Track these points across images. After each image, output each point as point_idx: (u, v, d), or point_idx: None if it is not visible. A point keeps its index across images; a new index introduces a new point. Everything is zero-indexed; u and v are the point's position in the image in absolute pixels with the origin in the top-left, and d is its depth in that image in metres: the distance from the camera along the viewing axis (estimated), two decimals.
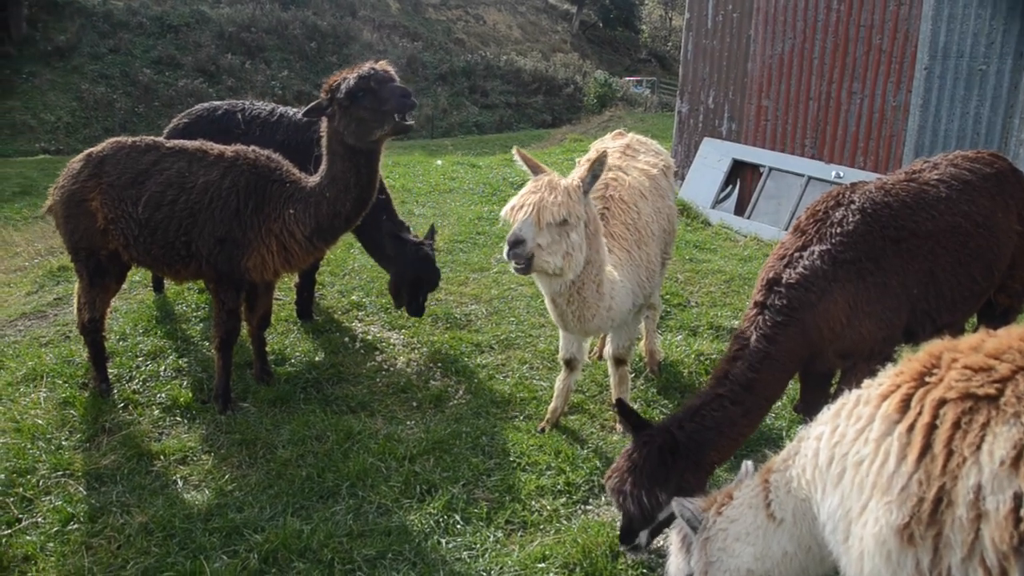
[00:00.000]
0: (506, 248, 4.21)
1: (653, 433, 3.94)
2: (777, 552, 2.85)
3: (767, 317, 4.16)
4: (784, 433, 5.46)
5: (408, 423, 5.53)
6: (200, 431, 5.32)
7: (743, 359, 4.13)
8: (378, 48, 35.36)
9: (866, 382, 2.64)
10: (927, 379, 2.39)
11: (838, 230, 4.21)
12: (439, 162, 15.84)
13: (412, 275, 6.60)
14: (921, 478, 2.23)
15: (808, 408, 4.86)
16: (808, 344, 4.17)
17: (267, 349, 6.18)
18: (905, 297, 4.22)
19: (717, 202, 11.13)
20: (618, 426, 5.47)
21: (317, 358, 6.49)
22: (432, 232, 6.87)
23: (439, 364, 6.48)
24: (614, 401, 5.40)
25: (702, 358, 6.52)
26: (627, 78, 42.96)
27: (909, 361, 2.51)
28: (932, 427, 2.27)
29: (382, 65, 5.08)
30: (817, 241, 4.23)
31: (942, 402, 2.29)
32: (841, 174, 9.88)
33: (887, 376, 2.55)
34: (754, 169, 11.02)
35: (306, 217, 5.24)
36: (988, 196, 4.51)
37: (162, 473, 4.84)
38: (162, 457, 4.99)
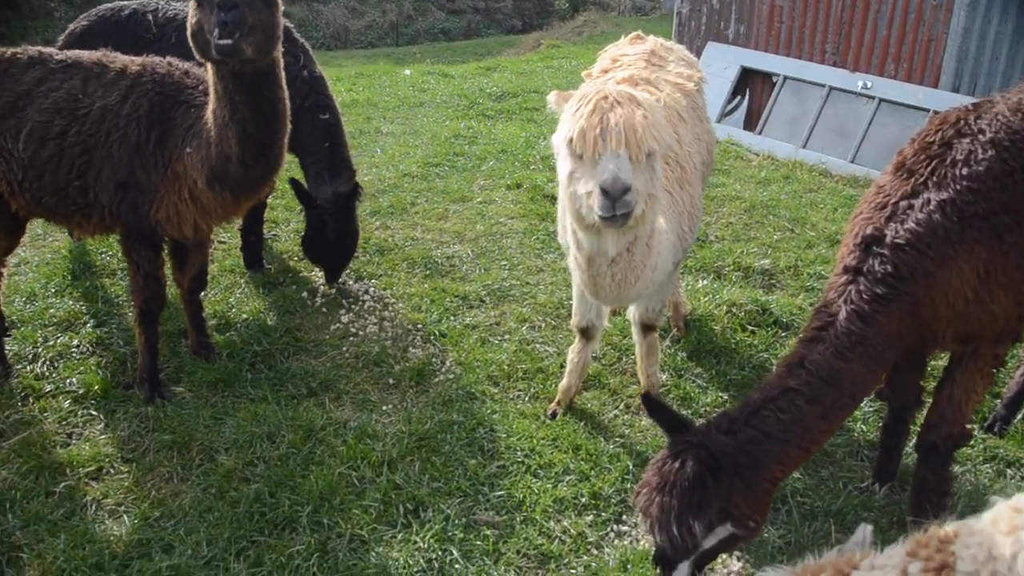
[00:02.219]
0: (599, 200, 3.00)
1: (692, 441, 2.91)
2: None
3: (863, 288, 3.09)
4: (857, 424, 4.43)
5: (384, 409, 4.43)
6: (120, 430, 4.18)
7: (827, 342, 3.08)
8: None
9: None
10: None
11: (964, 171, 3.10)
12: (407, 72, 14.28)
13: (314, 255, 5.68)
14: None
15: (898, 394, 3.84)
16: (918, 325, 3.13)
17: (205, 314, 5.00)
18: None
19: (724, 115, 9.88)
20: None
21: (269, 321, 5.32)
22: (355, 192, 5.46)
23: (419, 325, 5.34)
24: (642, 388, 4.34)
25: (735, 310, 5.44)
26: None
27: None
28: None
29: None
30: (934, 187, 3.12)
31: None
32: (869, 84, 8.66)
33: None
34: (766, 78, 9.73)
35: (198, 160, 3.94)
36: None
37: (68, 495, 3.73)
38: (69, 470, 3.87)
